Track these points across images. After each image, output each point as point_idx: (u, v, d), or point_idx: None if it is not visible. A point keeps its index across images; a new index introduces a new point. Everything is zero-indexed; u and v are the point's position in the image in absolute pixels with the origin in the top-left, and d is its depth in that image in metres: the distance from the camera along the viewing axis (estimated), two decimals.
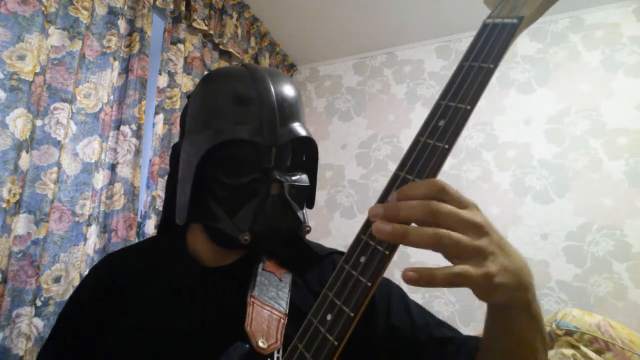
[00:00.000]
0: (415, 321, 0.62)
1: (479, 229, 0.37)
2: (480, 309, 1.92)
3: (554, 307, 1.79)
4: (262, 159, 0.63)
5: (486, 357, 0.50)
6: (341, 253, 0.74)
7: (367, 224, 0.40)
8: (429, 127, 0.40)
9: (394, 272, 2.14)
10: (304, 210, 0.68)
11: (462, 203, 0.38)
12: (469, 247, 0.36)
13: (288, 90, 0.66)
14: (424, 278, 0.35)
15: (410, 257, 2.09)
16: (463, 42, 2.35)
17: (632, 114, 1.89)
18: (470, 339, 0.58)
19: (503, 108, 2.16)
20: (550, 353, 1.37)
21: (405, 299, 0.67)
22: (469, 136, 2.20)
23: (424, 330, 0.61)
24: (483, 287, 0.37)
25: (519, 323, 0.43)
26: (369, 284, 0.37)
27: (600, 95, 1.97)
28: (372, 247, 0.38)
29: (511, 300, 0.40)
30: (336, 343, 0.38)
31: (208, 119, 0.65)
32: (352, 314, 0.37)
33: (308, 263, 0.71)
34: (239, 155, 0.64)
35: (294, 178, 0.66)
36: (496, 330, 0.46)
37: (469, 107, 0.39)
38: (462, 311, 1.96)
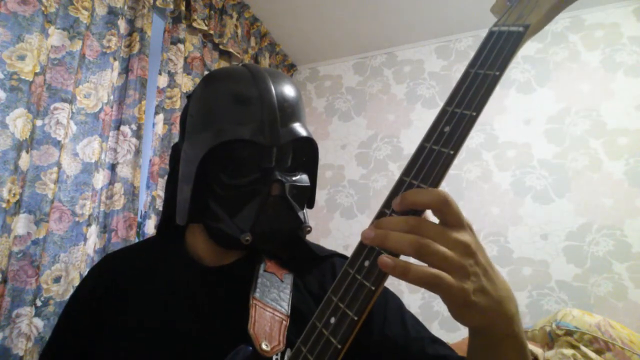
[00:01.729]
0: (410, 334, 0.62)
1: (466, 248, 0.37)
2: None
3: (554, 307, 1.80)
4: (263, 159, 0.63)
5: None
6: (342, 256, 0.74)
7: None
8: (434, 133, 0.40)
9: None
10: (305, 211, 0.68)
11: (458, 221, 0.38)
12: (451, 261, 0.36)
13: (289, 91, 0.66)
14: (398, 268, 0.35)
15: (410, 258, 2.09)
16: (463, 42, 2.35)
17: (632, 114, 1.90)
18: None
19: (503, 108, 2.16)
20: (550, 353, 1.37)
21: (401, 309, 0.67)
22: (469, 136, 2.19)
23: (417, 344, 0.60)
24: (456, 303, 0.36)
25: (499, 352, 0.42)
26: (373, 288, 0.37)
27: (600, 95, 1.97)
28: (376, 251, 0.38)
29: (488, 326, 0.39)
30: (339, 346, 0.38)
31: (209, 119, 0.65)
32: (355, 318, 0.37)
33: (309, 264, 0.71)
34: (240, 155, 0.63)
35: (294, 178, 0.66)
36: (475, 356, 0.45)
37: (474, 114, 0.39)
38: None
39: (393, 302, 0.67)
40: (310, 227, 0.66)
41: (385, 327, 0.62)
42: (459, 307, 0.37)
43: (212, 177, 0.64)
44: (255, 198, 0.62)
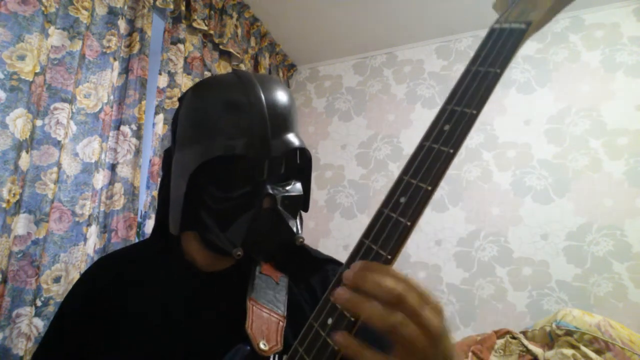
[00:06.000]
0: None
1: (434, 336, 0.37)
2: (479, 308, 1.93)
3: (554, 307, 1.79)
4: (254, 172, 0.62)
5: None
6: (337, 263, 0.74)
7: (369, 230, 0.40)
8: (434, 132, 0.40)
9: None
10: (298, 219, 0.67)
11: (428, 301, 0.38)
12: (416, 348, 0.36)
13: (280, 97, 0.64)
14: (351, 350, 0.36)
15: (410, 257, 2.09)
16: (463, 42, 2.35)
17: (632, 114, 1.89)
18: None
19: (503, 108, 2.15)
20: (550, 353, 1.37)
21: None
22: (469, 136, 2.19)
23: None
24: None
25: None
26: None
27: (600, 95, 1.97)
28: (374, 252, 0.38)
29: None
30: (336, 347, 0.38)
31: (199, 130, 0.63)
32: (352, 319, 0.37)
33: (304, 267, 0.70)
34: (230, 168, 0.62)
35: (287, 188, 0.65)
36: None
37: (474, 112, 0.39)
38: (462, 311, 1.96)
39: None
40: (303, 238, 0.65)
41: None
42: None
43: (203, 189, 0.63)
44: (247, 212, 0.61)
